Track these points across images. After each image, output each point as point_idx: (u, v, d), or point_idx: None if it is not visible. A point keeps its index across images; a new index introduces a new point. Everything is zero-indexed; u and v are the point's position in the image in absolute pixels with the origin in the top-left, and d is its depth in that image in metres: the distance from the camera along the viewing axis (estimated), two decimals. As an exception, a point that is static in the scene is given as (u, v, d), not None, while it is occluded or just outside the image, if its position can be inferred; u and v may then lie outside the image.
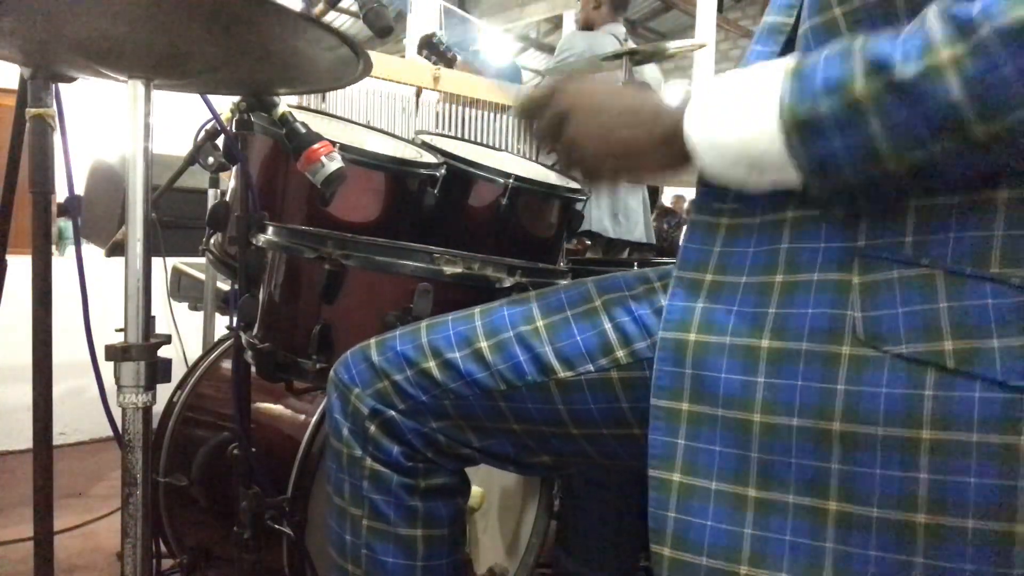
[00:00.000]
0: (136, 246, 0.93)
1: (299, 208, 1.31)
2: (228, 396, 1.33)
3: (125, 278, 0.93)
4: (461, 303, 0.91)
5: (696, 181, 0.74)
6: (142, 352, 0.93)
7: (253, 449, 1.17)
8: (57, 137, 1.14)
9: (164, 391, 1.16)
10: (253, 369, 1.19)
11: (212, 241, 1.46)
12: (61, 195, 1.23)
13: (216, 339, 1.68)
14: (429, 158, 1.39)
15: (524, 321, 0.82)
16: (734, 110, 0.63)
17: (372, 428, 0.82)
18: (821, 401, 0.60)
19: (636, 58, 2.52)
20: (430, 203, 1.32)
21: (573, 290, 0.84)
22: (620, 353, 0.78)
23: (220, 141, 1.22)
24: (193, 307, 2.25)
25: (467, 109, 2.55)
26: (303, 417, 1.32)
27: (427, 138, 1.51)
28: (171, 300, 2.05)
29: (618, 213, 2.84)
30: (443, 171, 1.34)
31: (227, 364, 1.49)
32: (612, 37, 2.88)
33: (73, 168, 1.17)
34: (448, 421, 0.83)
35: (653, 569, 0.67)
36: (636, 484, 1.19)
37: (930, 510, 0.56)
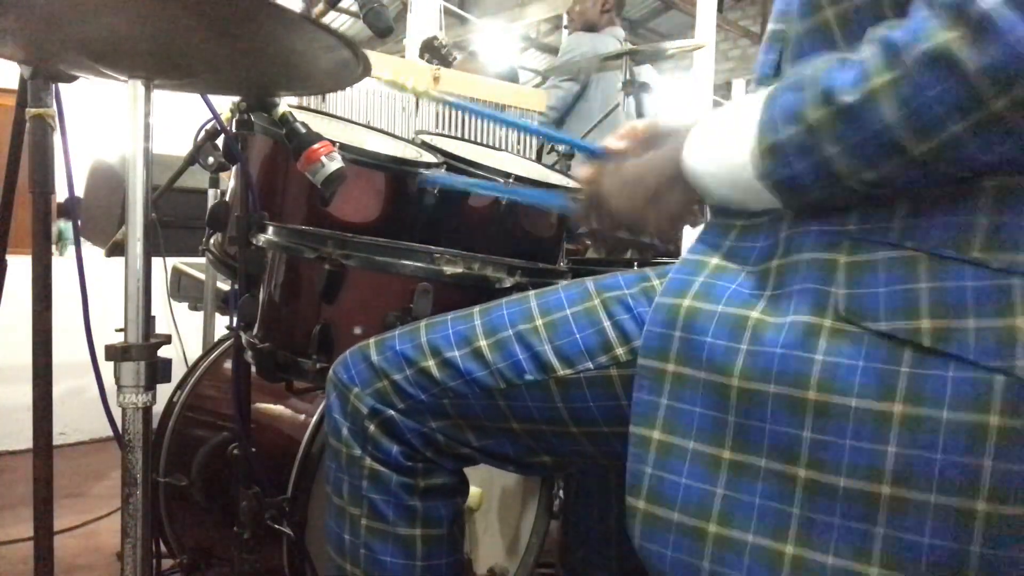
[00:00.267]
0: (136, 246, 0.93)
1: (299, 208, 1.31)
2: (228, 396, 1.33)
3: (125, 278, 0.93)
4: (461, 303, 0.91)
5: None
6: (142, 352, 0.93)
7: (253, 449, 1.17)
8: (57, 137, 1.14)
9: (164, 391, 1.16)
10: (253, 369, 1.19)
11: (212, 241, 1.46)
12: (61, 195, 1.23)
13: (216, 339, 1.68)
14: (429, 158, 1.39)
15: (523, 320, 0.82)
16: (721, 141, 0.69)
17: (371, 428, 0.82)
18: (798, 369, 0.62)
19: (636, 58, 2.52)
20: (430, 203, 1.32)
21: (572, 289, 0.85)
22: (619, 351, 0.79)
23: (220, 141, 1.22)
24: (193, 307, 2.25)
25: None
26: (303, 417, 1.32)
27: (427, 138, 1.51)
28: (171, 300, 2.05)
29: None
30: (443, 171, 1.34)
31: (227, 364, 1.49)
32: (614, 39, 2.89)
33: (73, 168, 1.17)
34: (447, 420, 0.83)
35: (627, 522, 0.69)
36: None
37: (895, 482, 0.58)
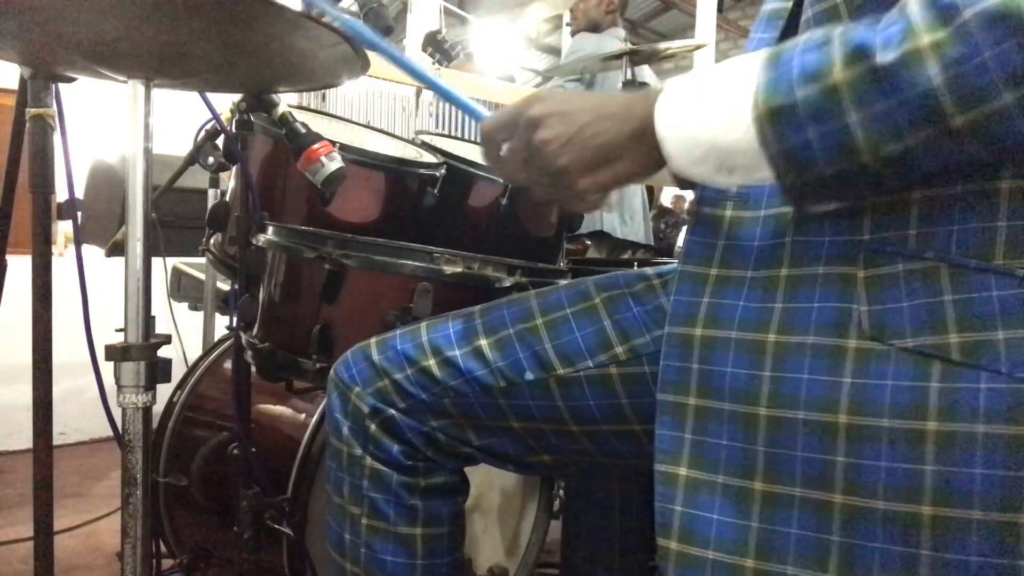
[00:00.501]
0: (136, 246, 0.93)
1: (299, 208, 1.31)
2: (228, 396, 1.33)
3: (125, 278, 0.93)
4: (461, 303, 0.91)
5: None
6: (142, 352, 0.93)
7: (253, 449, 1.17)
8: (57, 137, 1.14)
9: (164, 391, 1.16)
10: (253, 369, 1.19)
11: (212, 241, 1.46)
12: (61, 195, 1.23)
13: (216, 339, 1.68)
14: (429, 158, 1.39)
15: (524, 319, 0.82)
16: (707, 101, 0.61)
17: (372, 427, 0.82)
18: (827, 394, 0.60)
19: (636, 58, 2.52)
20: (430, 203, 1.32)
21: (572, 289, 0.84)
22: (619, 349, 0.78)
23: (220, 141, 1.22)
24: (193, 307, 2.25)
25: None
26: (303, 417, 1.32)
27: (427, 138, 1.51)
28: (171, 300, 2.05)
29: (624, 213, 2.86)
30: (443, 171, 1.34)
31: (227, 364, 1.49)
32: (616, 39, 2.90)
33: (73, 168, 1.17)
34: (448, 419, 0.83)
35: (659, 563, 0.67)
36: (638, 484, 1.20)
37: (935, 502, 0.56)
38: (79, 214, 1.21)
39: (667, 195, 8.39)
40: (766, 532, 0.62)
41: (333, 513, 0.86)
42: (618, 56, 2.51)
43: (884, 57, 0.52)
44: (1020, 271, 0.56)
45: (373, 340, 0.87)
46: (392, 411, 0.82)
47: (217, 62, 0.97)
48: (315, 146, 1.12)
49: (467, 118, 2.50)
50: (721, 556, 0.63)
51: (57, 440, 1.72)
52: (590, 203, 0.69)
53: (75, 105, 1.25)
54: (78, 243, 1.26)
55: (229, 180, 1.49)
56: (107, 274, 1.58)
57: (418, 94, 2.53)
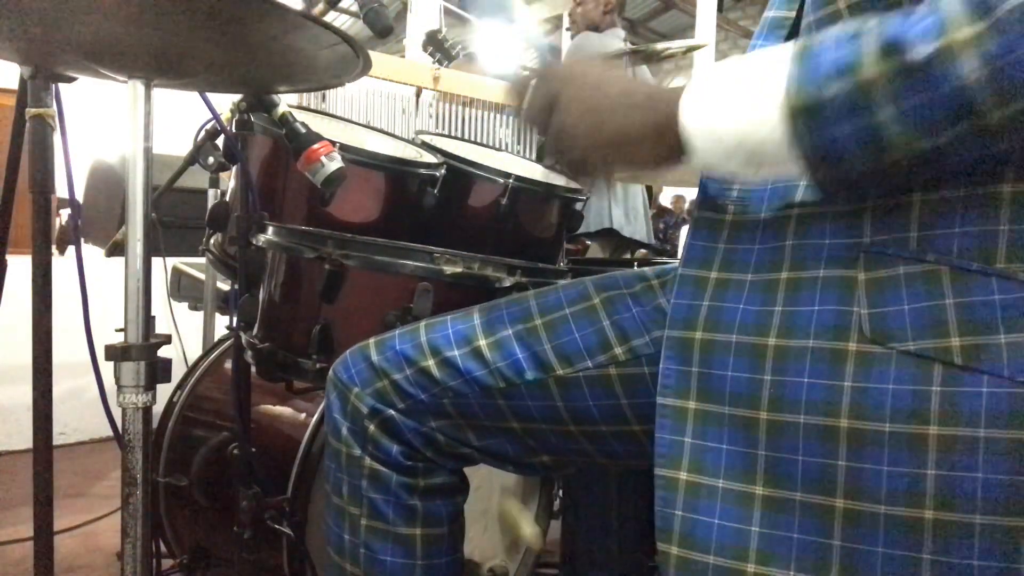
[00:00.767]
0: (136, 246, 0.93)
1: (299, 208, 1.31)
2: (228, 396, 1.33)
3: (125, 278, 0.93)
4: (461, 303, 0.91)
5: (699, 178, 0.73)
6: (142, 352, 0.93)
7: (253, 449, 1.17)
8: (57, 137, 1.14)
9: (164, 391, 1.16)
10: (253, 369, 1.19)
11: (212, 241, 1.46)
12: (61, 195, 1.23)
13: (216, 339, 1.68)
14: (429, 158, 1.39)
15: (523, 319, 0.82)
16: (734, 97, 0.59)
17: (371, 427, 0.82)
18: (828, 398, 0.60)
19: (635, 58, 2.52)
20: (430, 203, 1.32)
21: (572, 289, 0.84)
22: (618, 350, 0.78)
23: (220, 141, 1.22)
24: (193, 307, 2.25)
25: (464, 109, 2.55)
26: (303, 417, 1.32)
27: (427, 138, 1.51)
28: (171, 300, 2.05)
29: (628, 213, 2.87)
30: (443, 171, 1.34)
31: (227, 364, 1.49)
32: (618, 39, 2.91)
33: (73, 168, 1.17)
34: (447, 420, 0.83)
35: (660, 568, 0.67)
36: (637, 484, 1.20)
37: (937, 506, 0.56)
38: (64, 213, 1.21)
39: (666, 195, 8.39)
40: (767, 537, 0.62)
41: (332, 513, 0.86)
42: (618, 56, 2.51)
43: (918, 52, 0.51)
44: (1022, 274, 0.56)
45: (372, 340, 0.87)
46: (391, 411, 0.82)
47: (217, 62, 0.97)
48: (315, 146, 1.12)
49: (467, 118, 2.50)
50: (722, 561, 0.63)
51: (57, 440, 1.72)
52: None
53: (75, 105, 1.25)
54: (78, 243, 1.26)
55: (229, 180, 1.49)
56: (107, 274, 1.58)
57: (418, 94, 2.53)
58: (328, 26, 0.84)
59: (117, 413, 0.96)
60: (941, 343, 0.57)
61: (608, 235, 2.84)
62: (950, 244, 0.58)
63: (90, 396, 1.13)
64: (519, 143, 2.58)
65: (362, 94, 2.37)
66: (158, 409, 1.07)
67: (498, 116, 2.70)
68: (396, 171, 1.31)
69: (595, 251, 2.85)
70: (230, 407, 1.21)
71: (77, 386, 2.31)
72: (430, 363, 0.82)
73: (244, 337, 1.18)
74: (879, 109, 0.53)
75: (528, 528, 1.42)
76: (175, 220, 1.77)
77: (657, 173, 0.71)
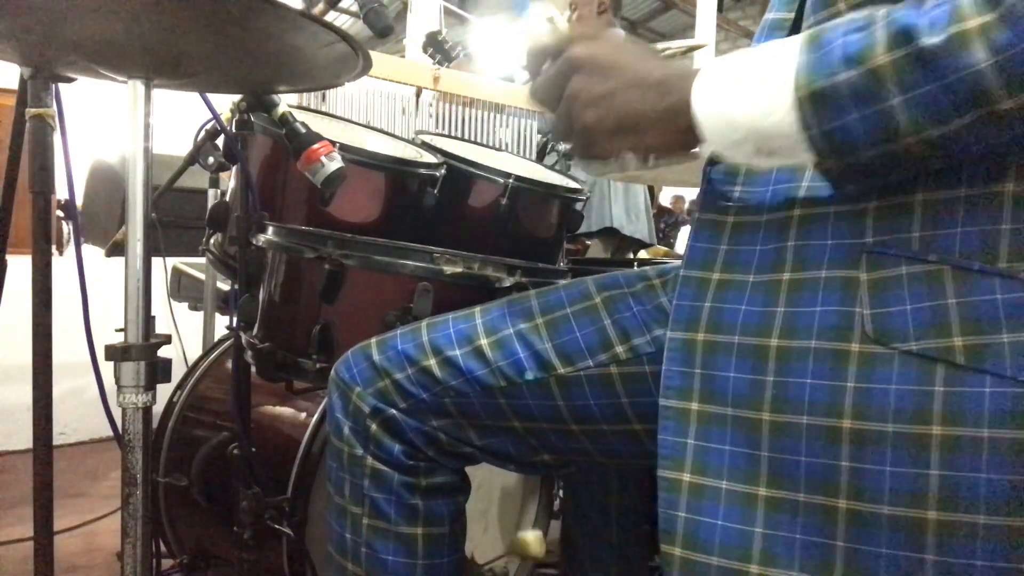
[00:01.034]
0: (136, 246, 0.93)
1: (299, 208, 1.31)
2: (228, 396, 1.33)
3: (125, 278, 0.93)
4: (461, 303, 0.91)
5: (701, 179, 0.73)
6: (142, 352, 0.93)
7: (253, 449, 1.17)
8: (57, 137, 1.14)
9: (164, 391, 1.16)
10: (253, 369, 1.19)
11: (212, 241, 1.46)
12: (61, 195, 1.23)
13: (216, 339, 1.68)
14: (429, 158, 1.39)
15: (524, 319, 0.82)
16: (746, 83, 0.59)
17: (373, 427, 0.82)
18: (831, 399, 0.60)
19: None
20: (430, 203, 1.32)
21: (573, 288, 0.84)
22: (619, 349, 0.78)
23: (220, 141, 1.22)
24: (193, 307, 2.25)
25: (464, 109, 2.55)
26: (303, 416, 1.32)
27: (427, 138, 1.51)
28: (171, 300, 2.05)
29: (630, 211, 2.86)
30: (443, 171, 1.34)
31: (227, 364, 1.49)
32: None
33: (73, 168, 1.17)
34: (449, 419, 0.83)
35: (664, 569, 0.67)
36: (637, 484, 1.20)
37: (941, 506, 0.56)
38: (59, 214, 1.21)
39: (666, 195, 8.40)
40: (771, 538, 0.62)
41: (334, 513, 0.86)
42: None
43: (930, 40, 0.51)
44: None
45: (374, 340, 0.87)
46: (393, 411, 0.82)
47: (217, 62, 0.97)
48: (315, 146, 1.12)
49: (467, 118, 2.50)
50: (726, 562, 0.63)
51: (57, 440, 1.72)
52: (594, 157, 0.68)
53: (75, 105, 1.25)
54: (78, 243, 1.26)
55: (229, 180, 1.49)
56: (107, 274, 1.58)
57: (418, 94, 2.53)
58: (328, 25, 0.84)
59: (117, 413, 0.96)
60: (944, 343, 0.57)
61: (609, 234, 2.84)
62: (952, 244, 0.58)
63: (90, 396, 1.13)
64: (519, 143, 2.58)
65: (362, 94, 2.37)
66: (158, 409, 1.07)
67: (498, 116, 2.70)
68: (396, 171, 1.31)
69: (597, 250, 2.85)
70: (230, 407, 1.21)
71: (77, 386, 2.31)
72: (431, 362, 0.82)
73: (244, 337, 1.18)
74: (890, 97, 0.53)
75: (533, 543, 1.43)
76: (175, 220, 1.77)
77: (668, 160, 0.71)
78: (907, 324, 0.58)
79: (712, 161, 0.72)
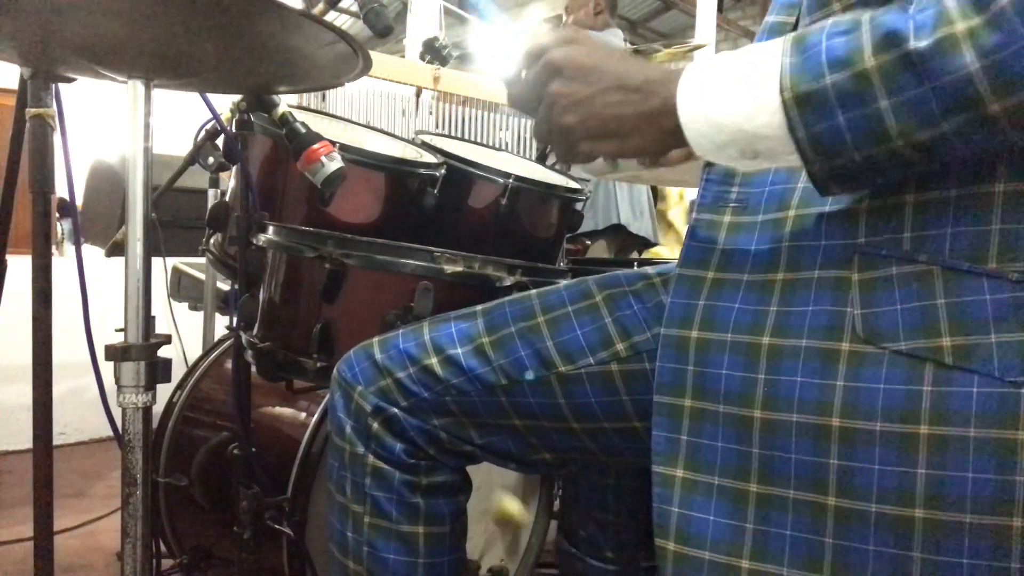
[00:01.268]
0: (136, 246, 0.93)
1: (299, 208, 1.31)
2: (228, 396, 1.33)
3: (125, 278, 0.93)
4: (461, 302, 0.91)
5: (699, 179, 0.74)
6: (142, 352, 0.93)
7: (253, 449, 1.17)
8: (57, 137, 1.14)
9: (164, 391, 1.16)
10: (253, 369, 1.19)
11: (212, 241, 1.46)
12: (61, 195, 1.23)
13: (216, 339, 1.68)
14: (429, 158, 1.39)
15: (525, 317, 0.83)
16: (731, 85, 0.59)
17: (375, 425, 0.83)
18: (820, 397, 0.60)
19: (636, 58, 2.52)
20: (430, 203, 1.32)
21: (574, 287, 0.85)
22: (620, 346, 0.79)
23: (220, 141, 1.22)
24: (193, 307, 2.25)
25: (464, 109, 2.55)
26: (303, 417, 1.32)
27: (427, 138, 1.51)
28: (171, 300, 2.05)
29: (634, 208, 2.87)
30: (443, 171, 1.34)
31: (227, 364, 1.49)
32: (617, 39, 2.91)
33: (73, 168, 1.17)
34: (450, 418, 0.83)
35: (657, 563, 0.68)
36: (633, 482, 1.20)
37: (928, 505, 0.56)
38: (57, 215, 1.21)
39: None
40: (761, 534, 0.62)
41: (336, 512, 0.86)
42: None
43: (917, 43, 0.51)
44: (1013, 274, 0.56)
45: (375, 339, 0.87)
46: (394, 410, 0.83)
47: (217, 62, 0.97)
48: (315, 146, 1.12)
49: (467, 118, 2.50)
50: (717, 557, 0.64)
51: (57, 440, 1.71)
52: (573, 160, 0.68)
53: (75, 105, 1.25)
54: (78, 243, 1.26)
55: (229, 180, 1.49)
56: (107, 274, 1.58)
57: (418, 94, 2.53)
58: (328, 25, 0.84)
59: (117, 413, 0.96)
60: (932, 343, 0.57)
61: (615, 232, 2.84)
62: (942, 244, 0.59)
63: (90, 396, 1.13)
64: (519, 143, 2.58)
65: (362, 94, 2.37)
66: (158, 409, 1.07)
67: (498, 116, 2.70)
68: (396, 171, 1.31)
69: (601, 249, 2.84)
70: (230, 407, 1.21)
71: (77, 386, 2.31)
72: (433, 361, 0.82)
73: (244, 337, 1.18)
74: (877, 99, 0.53)
75: (513, 506, 1.42)
76: (175, 220, 1.77)
77: (655, 163, 0.70)
78: (896, 324, 0.59)
79: (710, 163, 0.73)
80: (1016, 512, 0.55)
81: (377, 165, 1.29)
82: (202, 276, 2.13)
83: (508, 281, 1.08)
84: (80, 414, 2.61)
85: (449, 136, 1.90)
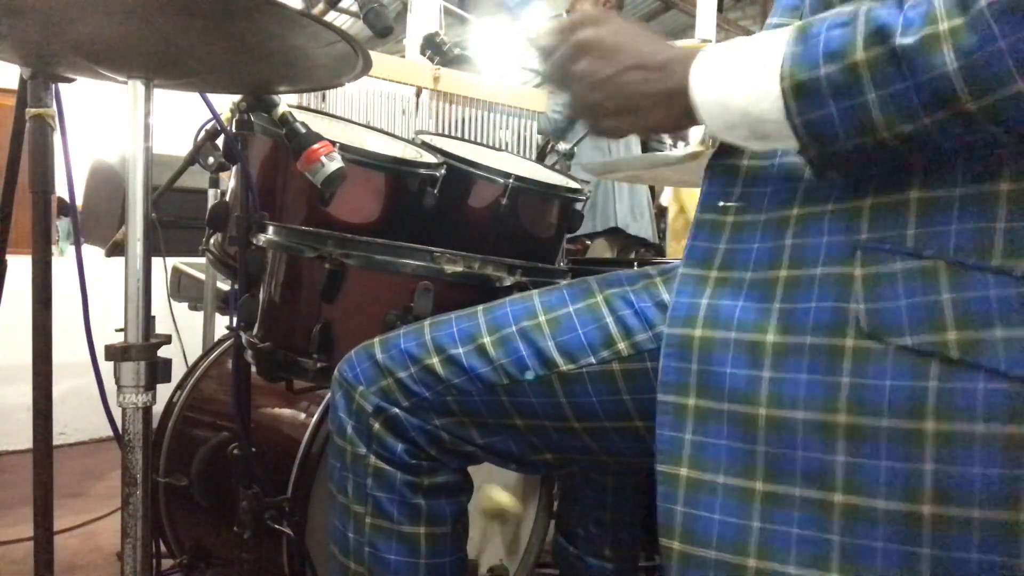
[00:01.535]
0: (136, 246, 0.93)
1: (299, 208, 1.31)
2: (228, 396, 1.33)
3: (125, 278, 0.93)
4: (462, 302, 0.91)
5: (702, 179, 0.74)
6: (142, 352, 0.93)
7: (253, 449, 1.17)
8: (57, 137, 1.14)
9: (164, 391, 1.16)
10: (253, 369, 1.19)
11: (212, 241, 1.46)
12: (61, 195, 1.23)
13: (216, 339, 1.68)
14: (429, 158, 1.39)
15: (526, 316, 0.83)
16: (740, 71, 0.62)
17: (376, 426, 0.83)
18: (826, 394, 0.60)
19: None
20: (430, 203, 1.32)
21: (575, 287, 0.85)
22: (621, 345, 0.79)
23: (220, 141, 1.22)
24: (193, 307, 2.25)
25: (464, 109, 2.55)
26: (303, 417, 1.32)
27: (427, 138, 1.51)
28: (171, 300, 2.05)
29: (634, 210, 2.87)
30: (443, 171, 1.34)
31: (227, 364, 1.49)
32: None
33: (73, 168, 1.17)
34: (452, 418, 0.83)
35: (663, 562, 0.67)
36: (632, 482, 1.20)
37: (935, 501, 0.56)
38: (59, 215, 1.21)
39: (666, 195, 8.39)
40: (767, 532, 0.62)
41: (337, 512, 0.86)
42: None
43: (903, 40, 0.54)
44: (1018, 271, 0.56)
45: (377, 339, 0.87)
46: (396, 410, 0.83)
47: (217, 62, 0.97)
48: (315, 146, 1.12)
49: (467, 118, 2.50)
50: (723, 556, 0.64)
51: (57, 440, 1.72)
52: (599, 132, 0.73)
53: (75, 105, 1.25)
54: (78, 243, 1.26)
55: (229, 180, 1.49)
56: (107, 274, 1.58)
57: (418, 94, 2.53)
58: (328, 25, 0.84)
59: (117, 413, 0.96)
60: (937, 337, 0.57)
61: (614, 234, 2.84)
62: (947, 241, 0.59)
63: (90, 396, 1.13)
64: (519, 143, 2.58)
65: (362, 94, 2.37)
66: (158, 409, 1.07)
67: (498, 116, 2.69)
68: (396, 171, 1.31)
69: (601, 250, 2.84)
70: (230, 407, 1.21)
71: (77, 386, 2.31)
72: (434, 361, 0.82)
73: (244, 337, 1.18)
74: (865, 91, 0.56)
75: (502, 497, 1.42)
76: (175, 220, 1.77)
77: (673, 132, 0.74)
78: (901, 319, 0.59)
79: (713, 162, 0.73)
80: (1022, 507, 0.55)
81: (377, 165, 1.28)
82: (202, 276, 2.13)
83: (508, 281, 1.08)
84: (80, 414, 2.61)
85: (449, 136, 1.90)
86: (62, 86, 1.12)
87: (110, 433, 1.06)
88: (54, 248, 1.23)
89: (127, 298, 0.93)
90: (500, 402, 0.82)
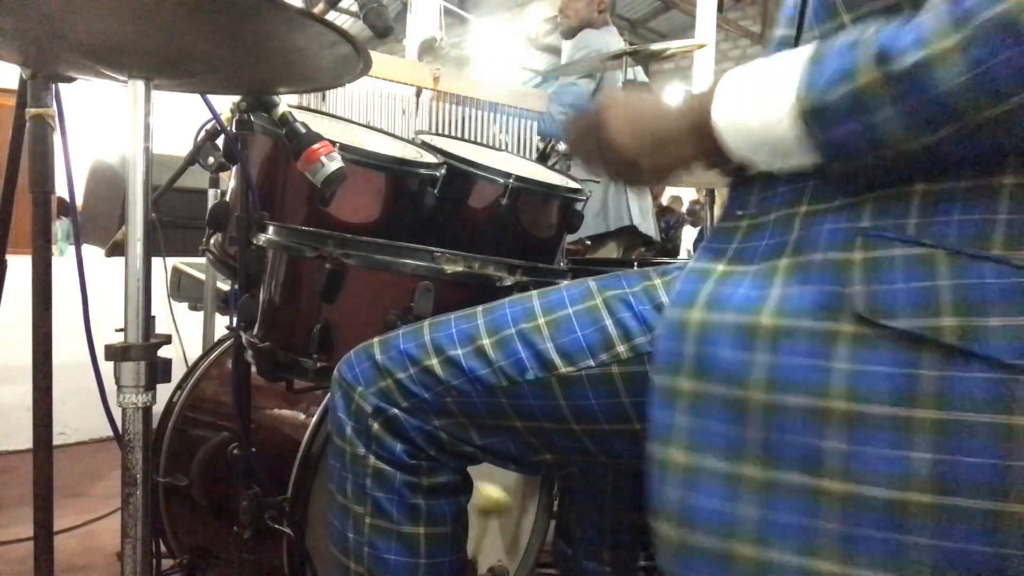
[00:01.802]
0: (136, 246, 0.93)
1: (299, 208, 1.31)
2: (228, 396, 1.33)
3: (125, 278, 0.93)
4: (462, 302, 0.91)
5: (727, 192, 0.76)
6: (142, 352, 0.93)
7: (253, 449, 1.17)
8: (57, 137, 1.14)
9: (164, 391, 1.16)
10: (253, 369, 1.19)
11: (212, 241, 1.46)
12: (61, 195, 1.23)
13: (216, 339, 1.68)
14: (429, 158, 1.39)
15: (526, 318, 0.83)
16: (757, 96, 0.66)
17: (375, 426, 0.83)
18: (819, 380, 0.60)
19: (636, 58, 2.52)
20: (430, 203, 1.32)
21: (574, 288, 0.85)
22: (621, 348, 0.79)
23: (220, 141, 1.22)
24: (193, 307, 2.24)
25: (464, 109, 2.55)
26: (303, 417, 1.32)
27: (427, 138, 1.51)
28: (171, 300, 2.05)
29: (643, 210, 2.89)
30: (443, 171, 1.34)
31: (227, 364, 1.49)
32: (617, 38, 2.91)
33: (73, 168, 1.17)
34: (451, 419, 0.83)
35: (654, 544, 0.67)
36: (631, 480, 1.20)
37: (927, 489, 0.57)
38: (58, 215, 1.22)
39: (666, 195, 8.41)
40: (758, 517, 0.62)
41: (336, 512, 0.86)
42: (618, 56, 2.52)
43: (903, 61, 0.56)
44: (1017, 260, 0.57)
45: (376, 340, 0.87)
46: (395, 410, 0.83)
47: (218, 62, 0.97)
48: (315, 146, 1.12)
49: (467, 118, 2.50)
50: (713, 540, 0.64)
51: (57, 440, 1.71)
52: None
53: (75, 105, 1.25)
54: (78, 243, 1.26)
55: (229, 180, 1.49)
56: (107, 274, 1.58)
57: (418, 94, 2.53)
58: (328, 24, 0.84)
59: (117, 413, 0.96)
60: (933, 322, 0.57)
61: (625, 233, 2.85)
62: (948, 231, 0.60)
63: (90, 396, 1.13)
64: (519, 143, 2.58)
65: (362, 94, 2.37)
66: (158, 409, 1.07)
67: (498, 116, 2.69)
68: (396, 171, 1.31)
69: (611, 250, 2.85)
70: (230, 407, 1.21)
71: (77, 386, 2.30)
72: (434, 362, 0.82)
73: (244, 337, 1.18)
74: (872, 112, 0.58)
75: (493, 492, 1.41)
76: (175, 220, 1.77)
77: (697, 168, 0.78)
78: (898, 302, 0.59)
79: (734, 179, 0.76)
80: (1011, 498, 0.55)
81: (377, 165, 1.28)
82: (202, 276, 2.13)
83: (508, 281, 1.08)
84: (80, 414, 2.61)
85: (449, 136, 1.90)
86: (62, 86, 1.12)
87: (110, 433, 1.06)
88: (54, 248, 1.23)
89: (127, 298, 0.93)
90: (499, 403, 0.82)
